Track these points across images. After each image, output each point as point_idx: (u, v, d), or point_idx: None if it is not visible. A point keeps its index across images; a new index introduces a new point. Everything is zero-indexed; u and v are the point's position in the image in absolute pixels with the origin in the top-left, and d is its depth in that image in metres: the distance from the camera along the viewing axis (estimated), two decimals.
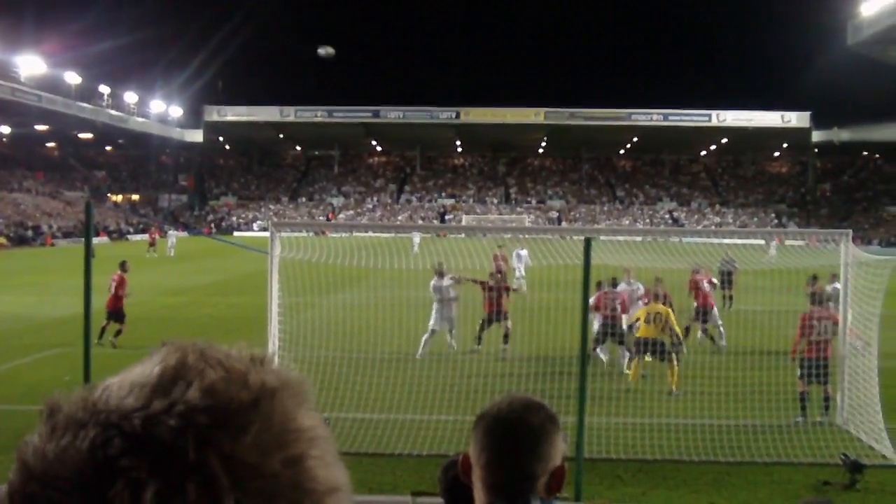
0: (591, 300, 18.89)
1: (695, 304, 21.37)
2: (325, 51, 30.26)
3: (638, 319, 17.03)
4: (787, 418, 14.02)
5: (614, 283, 19.21)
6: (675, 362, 16.33)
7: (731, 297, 25.95)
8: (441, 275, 19.78)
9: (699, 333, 21.36)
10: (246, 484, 0.78)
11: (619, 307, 18.42)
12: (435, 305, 19.59)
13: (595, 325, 18.64)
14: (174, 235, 60.91)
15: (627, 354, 17.84)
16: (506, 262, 29.80)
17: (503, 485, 2.02)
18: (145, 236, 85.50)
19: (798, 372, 14.60)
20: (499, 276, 21.07)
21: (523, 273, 31.61)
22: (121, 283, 21.61)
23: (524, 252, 31.72)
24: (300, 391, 0.89)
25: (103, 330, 20.82)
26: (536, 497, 2.03)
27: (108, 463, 0.76)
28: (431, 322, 19.43)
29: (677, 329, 17.38)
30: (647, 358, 16.96)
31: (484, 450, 2.04)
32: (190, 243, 61.63)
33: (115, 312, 21.29)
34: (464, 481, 2.12)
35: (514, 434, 2.04)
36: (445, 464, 3.64)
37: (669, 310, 16.95)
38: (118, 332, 21.03)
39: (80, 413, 0.80)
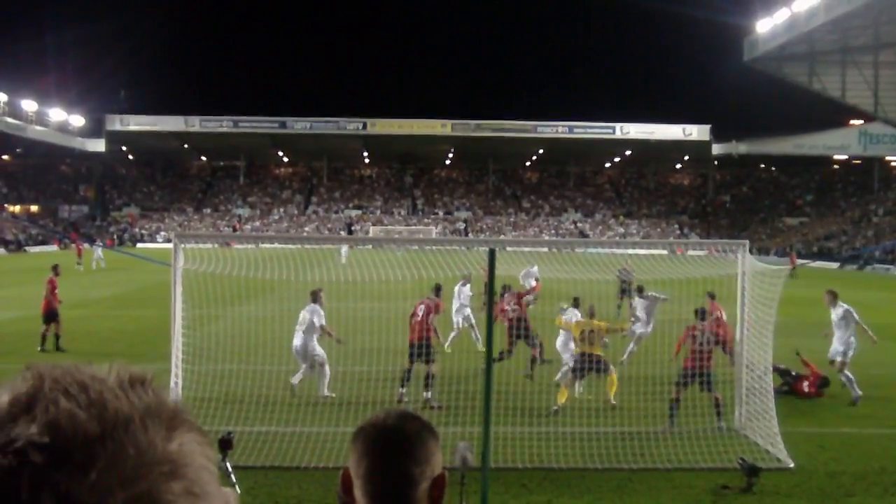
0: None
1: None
2: None
3: (575, 338, 16.10)
4: (686, 425, 14.32)
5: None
6: (612, 372, 15.80)
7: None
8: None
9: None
10: None
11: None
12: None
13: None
14: (99, 248, 59.41)
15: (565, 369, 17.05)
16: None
17: (384, 491, 2.02)
18: (44, 248, 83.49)
19: (675, 379, 14.94)
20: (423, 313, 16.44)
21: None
22: (54, 286, 21.85)
23: (534, 269, 27.52)
24: (170, 415, 0.83)
25: (44, 337, 21.07)
26: None
27: None
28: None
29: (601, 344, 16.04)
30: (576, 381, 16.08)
31: (364, 458, 2.03)
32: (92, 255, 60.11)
33: (51, 313, 21.37)
34: (344, 499, 2.07)
35: (393, 439, 2.03)
36: None
37: (601, 324, 16.30)
38: (57, 336, 21.20)
39: None
